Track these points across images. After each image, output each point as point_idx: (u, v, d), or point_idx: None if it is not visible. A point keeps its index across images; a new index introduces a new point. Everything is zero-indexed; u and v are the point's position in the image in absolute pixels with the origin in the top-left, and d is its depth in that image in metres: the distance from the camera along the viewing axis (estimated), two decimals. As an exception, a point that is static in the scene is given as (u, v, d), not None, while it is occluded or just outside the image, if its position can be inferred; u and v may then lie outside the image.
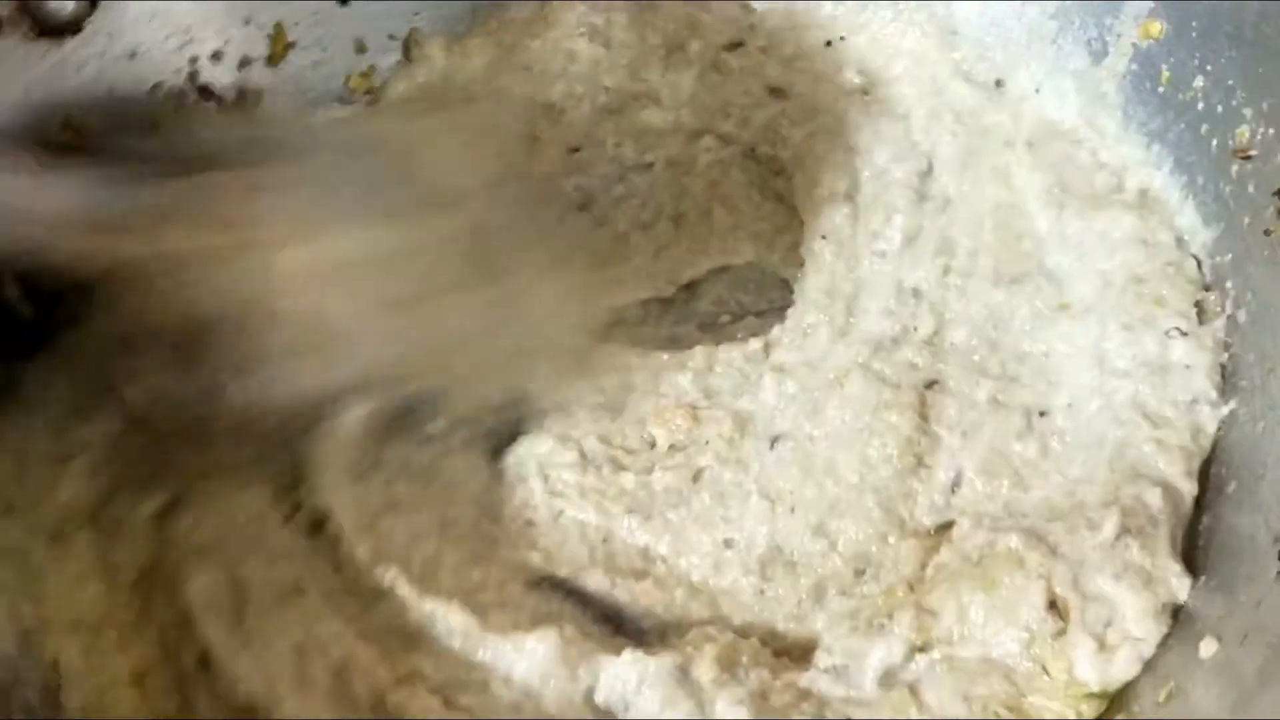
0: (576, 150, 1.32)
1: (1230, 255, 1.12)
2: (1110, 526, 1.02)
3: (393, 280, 1.10)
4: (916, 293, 1.21)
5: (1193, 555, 1.04)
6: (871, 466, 1.11)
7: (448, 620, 1.03)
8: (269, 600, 1.06)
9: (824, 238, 1.25)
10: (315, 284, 1.07)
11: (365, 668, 1.01)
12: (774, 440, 1.14)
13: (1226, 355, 1.10)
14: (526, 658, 1.00)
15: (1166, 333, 1.12)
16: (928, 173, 1.27)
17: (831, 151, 1.29)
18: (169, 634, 1.06)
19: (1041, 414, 1.13)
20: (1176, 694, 0.95)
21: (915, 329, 1.18)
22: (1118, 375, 1.12)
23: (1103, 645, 0.98)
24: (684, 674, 0.99)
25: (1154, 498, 1.04)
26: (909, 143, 1.29)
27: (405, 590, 1.05)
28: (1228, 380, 1.10)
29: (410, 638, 1.03)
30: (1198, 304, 1.14)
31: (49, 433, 1.13)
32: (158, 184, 1.04)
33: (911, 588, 1.05)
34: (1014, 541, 1.03)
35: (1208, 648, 0.95)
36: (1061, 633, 0.98)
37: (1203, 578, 1.01)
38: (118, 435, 1.14)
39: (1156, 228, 1.18)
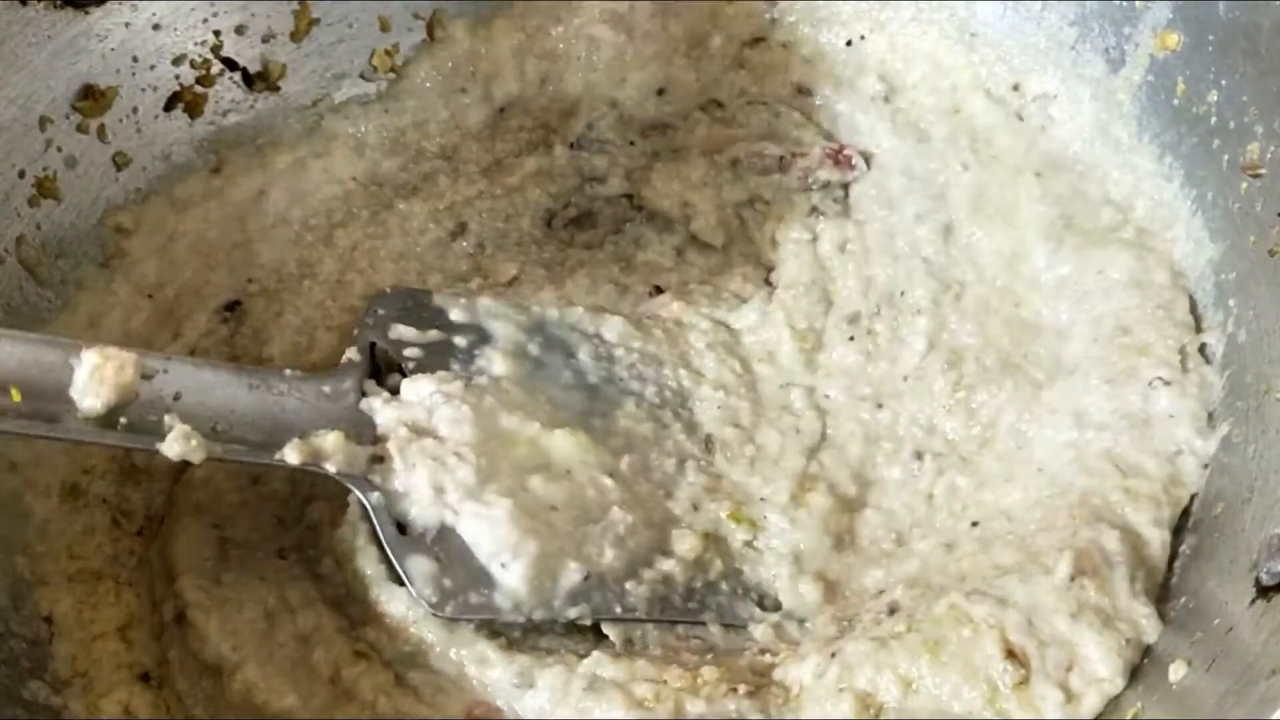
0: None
1: (1235, 273, 1.10)
2: (1064, 568, 0.98)
3: None
4: (932, 430, 1.16)
5: (1169, 579, 1.03)
6: None
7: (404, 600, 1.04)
8: (250, 563, 1.08)
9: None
10: None
11: (327, 637, 1.03)
12: None
13: (1223, 378, 1.09)
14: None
15: (1150, 383, 1.09)
16: (949, 229, 1.24)
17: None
18: (156, 586, 1.09)
19: (974, 524, 1.09)
20: (1142, 715, 0.94)
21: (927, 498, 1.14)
22: (1095, 428, 1.09)
23: (1069, 694, 0.95)
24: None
25: (1111, 541, 1.00)
26: (928, 177, 1.26)
27: (371, 568, 1.06)
28: (1223, 401, 1.08)
29: (369, 609, 1.05)
30: (1182, 349, 1.11)
31: None
32: None
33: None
34: (953, 599, 0.99)
35: (1176, 672, 0.94)
36: (1024, 681, 0.95)
37: (1183, 599, 1.01)
38: None
39: (1153, 267, 1.15)
